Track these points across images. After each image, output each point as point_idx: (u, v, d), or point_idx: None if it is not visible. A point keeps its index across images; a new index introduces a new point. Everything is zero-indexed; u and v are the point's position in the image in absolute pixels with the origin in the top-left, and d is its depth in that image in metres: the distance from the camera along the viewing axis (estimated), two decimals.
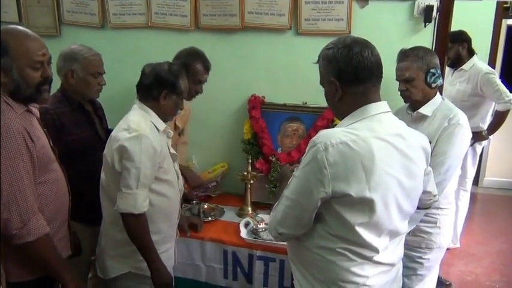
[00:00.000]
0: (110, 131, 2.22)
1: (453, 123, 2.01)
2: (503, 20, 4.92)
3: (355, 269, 1.34)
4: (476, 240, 3.95)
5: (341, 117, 1.41)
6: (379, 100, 1.38)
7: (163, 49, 2.49)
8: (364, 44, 1.36)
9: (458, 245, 3.72)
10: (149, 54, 2.43)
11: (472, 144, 3.43)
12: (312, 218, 1.34)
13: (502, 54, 5.08)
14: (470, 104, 3.39)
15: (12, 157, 1.44)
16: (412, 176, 1.37)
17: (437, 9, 2.37)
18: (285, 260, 2.14)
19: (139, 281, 1.92)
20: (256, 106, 2.72)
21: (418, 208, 1.58)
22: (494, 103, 3.47)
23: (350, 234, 1.31)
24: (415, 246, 2.14)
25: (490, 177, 5.39)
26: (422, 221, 2.07)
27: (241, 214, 2.57)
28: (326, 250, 1.36)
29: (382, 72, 1.38)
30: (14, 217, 1.45)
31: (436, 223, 2.14)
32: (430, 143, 2.00)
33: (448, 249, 2.48)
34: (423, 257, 2.16)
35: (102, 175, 1.88)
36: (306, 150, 1.32)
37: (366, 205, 1.27)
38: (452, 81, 3.56)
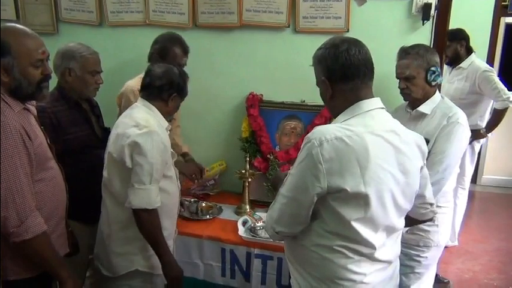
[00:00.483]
0: (107, 129, 2.23)
1: (452, 121, 2.00)
2: (502, 18, 4.93)
3: (352, 267, 1.35)
4: (474, 238, 3.95)
5: (335, 115, 1.43)
6: (372, 97, 1.40)
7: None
8: (352, 43, 1.39)
9: (456, 243, 3.73)
10: (147, 52, 2.43)
11: (470, 143, 3.42)
12: (308, 215, 1.35)
13: (500, 52, 5.09)
14: (469, 102, 3.38)
15: (9, 155, 1.44)
16: (407, 172, 1.37)
17: (435, 7, 2.37)
18: (283, 258, 2.14)
19: (144, 279, 1.93)
20: (255, 104, 2.72)
21: (416, 221, 1.60)
22: (492, 101, 3.48)
23: (347, 231, 1.31)
24: (413, 244, 2.14)
25: (488, 176, 5.40)
26: None
27: (239, 212, 2.57)
28: (323, 248, 1.36)
29: (372, 70, 1.41)
30: (11, 215, 1.45)
31: (434, 221, 2.13)
32: (429, 141, 2.01)
33: (446, 247, 2.48)
34: (421, 255, 2.15)
35: (105, 173, 1.88)
36: (301, 147, 1.33)
37: (361, 200, 1.28)
38: (451, 79, 3.56)
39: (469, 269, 3.45)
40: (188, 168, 2.50)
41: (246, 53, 2.76)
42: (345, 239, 1.33)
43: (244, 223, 2.38)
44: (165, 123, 1.93)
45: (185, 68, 2.23)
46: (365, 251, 1.34)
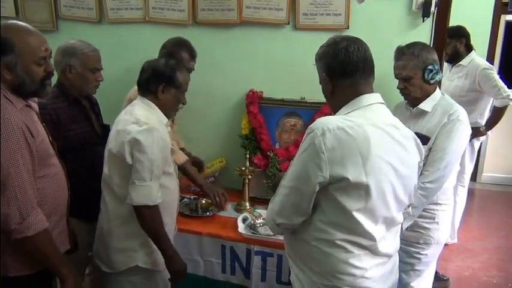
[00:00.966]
0: (107, 126, 2.23)
1: (453, 119, 2.01)
2: (502, 16, 4.93)
3: (353, 261, 1.36)
4: (474, 236, 3.96)
5: (336, 112, 1.46)
6: (372, 92, 1.43)
7: (160, 44, 2.48)
8: (352, 40, 1.43)
9: (456, 241, 3.74)
10: (146, 49, 2.43)
11: (470, 140, 3.43)
12: (310, 206, 1.35)
13: (500, 50, 5.08)
14: (468, 100, 3.38)
15: (11, 152, 1.44)
16: (407, 165, 1.40)
17: (435, 4, 2.37)
18: (283, 255, 2.14)
19: (144, 275, 1.93)
20: (254, 101, 2.71)
21: None
22: (492, 99, 3.47)
23: (348, 221, 1.32)
24: (413, 241, 2.15)
25: (487, 173, 5.40)
26: (420, 216, 2.08)
27: (239, 209, 2.57)
28: (324, 242, 1.37)
29: (371, 67, 1.44)
30: (13, 212, 1.45)
31: (434, 219, 2.14)
32: (430, 138, 2.02)
33: (445, 244, 2.48)
34: (421, 252, 2.16)
35: (105, 170, 1.88)
36: (304, 137, 1.35)
37: (363, 190, 1.29)
38: (451, 77, 3.56)
39: (468, 267, 3.45)
40: (212, 189, 2.42)
41: (246, 50, 2.76)
42: (346, 231, 1.34)
43: (244, 220, 2.39)
44: (165, 119, 1.92)
45: None
46: (366, 243, 1.36)
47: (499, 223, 4.31)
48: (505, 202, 4.94)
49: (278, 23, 2.64)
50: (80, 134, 2.12)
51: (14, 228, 1.46)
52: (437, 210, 2.14)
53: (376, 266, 1.40)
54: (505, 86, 3.35)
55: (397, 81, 2.12)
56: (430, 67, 2.04)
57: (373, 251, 1.38)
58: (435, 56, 2.08)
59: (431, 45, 2.35)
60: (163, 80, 1.88)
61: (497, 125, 3.55)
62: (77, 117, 2.13)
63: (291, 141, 2.70)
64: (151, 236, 1.83)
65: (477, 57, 3.50)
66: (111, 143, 1.85)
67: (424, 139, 1.98)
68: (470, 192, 4.24)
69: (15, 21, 1.56)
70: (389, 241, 1.43)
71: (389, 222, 1.41)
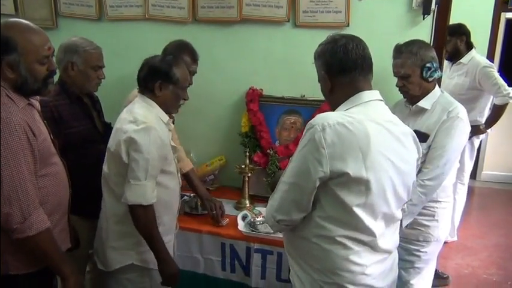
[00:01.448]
0: (108, 124, 2.23)
1: (452, 116, 2.01)
2: (502, 14, 4.93)
3: (353, 258, 1.36)
4: (474, 234, 3.96)
5: (335, 109, 1.46)
6: (371, 89, 1.44)
7: (160, 41, 2.47)
8: (350, 38, 1.44)
9: (455, 238, 3.74)
10: (146, 47, 2.41)
11: (469, 138, 3.42)
12: (310, 202, 1.36)
13: (500, 48, 5.08)
14: (468, 98, 3.37)
15: (13, 151, 1.44)
16: (406, 161, 1.41)
17: (435, 1, 2.36)
18: (283, 253, 2.14)
19: (141, 273, 1.93)
20: (254, 99, 2.71)
21: None
22: (492, 97, 3.47)
23: (348, 217, 1.33)
24: (413, 239, 2.15)
25: (487, 171, 5.41)
26: (420, 214, 2.08)
27: (239, 207, 2.57)
28: (324, 239, 1.37)
29: (370, 65, 1.45)
30: (15, 211, 1.45)
31: (433, 216, 2.14)
32: (429, 136, 2.02)
33: (445, 242, 2.48)
34: (421, 250, 2.16)
35: (105, 168, 1.88)
36: (303, 133, 1.36)
37: (363, 185, 1.30)
38: (451, 75, 3.55)
39: (468, 264, 3.46)
40: (210, 202, 2.40)
41: (246, 48, 2.75)
42: (346, 227, 1.34)
43: (244, 218, 2.38)
44: (165, 117, 1.91)
45: None
46: (365, 239, 1.36)
47: (498, 221, 4.31)
48: (504, 200, 4.94)
49: (278, 20, 2.63)
50: (81, 131, 2.12)
51: (15, 227, 1.46)
52: (437, 207, 2.14)
53: (376, 263, 1.41)
54: (505, 84, 3.34)
55: (396, 78, 2.12)
56: (428, 65, 2.03)
57: (373, 247, 1.38)
58: (433, 54, 2.07)
59: (432, 43, 2.35)
60: (159, 77, 1.85)
61: (497, 123, 3.55)
62: (78, 115, 2.13)
63: (290, 139, 2.70)
64: (144, 236, 1.81)
65: (477, 55, 3.49)
66: (110, 141, 1.85)
67: (423, 137, 1.99)
68: (470, 190, 4.23)
69: (18, 20, 1.56)
70: (388, 237, 1.44)
71: (388, 219, 1.41)
